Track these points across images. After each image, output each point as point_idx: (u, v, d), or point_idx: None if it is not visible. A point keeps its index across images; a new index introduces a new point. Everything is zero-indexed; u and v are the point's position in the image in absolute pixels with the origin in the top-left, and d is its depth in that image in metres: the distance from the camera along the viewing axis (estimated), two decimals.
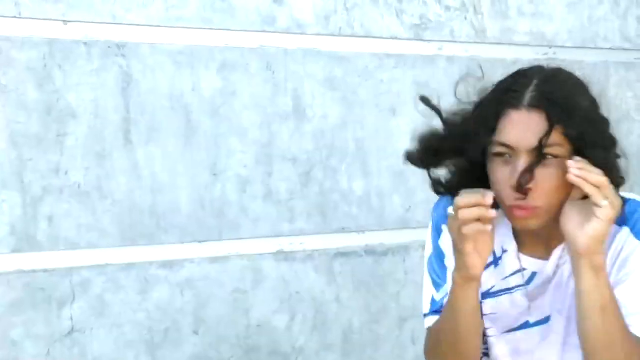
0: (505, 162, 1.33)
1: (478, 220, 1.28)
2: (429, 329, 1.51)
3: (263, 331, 2.26)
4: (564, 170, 1.28)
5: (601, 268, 1.30)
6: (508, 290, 1.47)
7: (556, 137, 1.30)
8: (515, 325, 1.47)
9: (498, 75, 2.50)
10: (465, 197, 1.29)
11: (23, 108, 1.98)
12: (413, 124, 2.41)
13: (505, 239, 1.45)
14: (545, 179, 1.30)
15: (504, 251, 1.46)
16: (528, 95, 1.33)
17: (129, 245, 2.09)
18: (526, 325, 1.46)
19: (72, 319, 2.04)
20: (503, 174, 1.33)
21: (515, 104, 1.33)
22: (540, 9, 2.61)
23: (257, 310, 2.25)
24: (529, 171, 1.29)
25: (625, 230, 1.37)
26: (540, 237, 1.41)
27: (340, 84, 2.33)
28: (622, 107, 2.74)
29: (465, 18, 2.50)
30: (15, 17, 1.98)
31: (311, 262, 2.32)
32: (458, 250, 1.33)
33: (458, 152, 1.42)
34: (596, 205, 1.25)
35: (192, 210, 2.16)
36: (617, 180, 1.34)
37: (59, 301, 2.03)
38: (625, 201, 1.37)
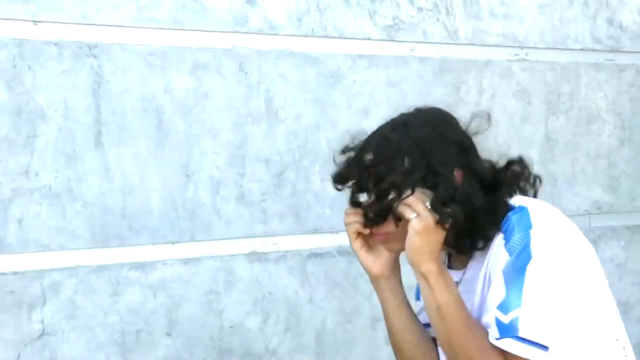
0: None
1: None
2: None
3: (236, 332, 2.26)
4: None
5: (431, 273, 1.41)
6: None
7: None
8: None
9: (471, 76, 2.54)
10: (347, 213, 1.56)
11: None
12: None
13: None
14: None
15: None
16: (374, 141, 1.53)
17: (101, 247, 2.08)
18: None
19: (42, 321, 2.03)
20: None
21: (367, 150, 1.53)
22: (511, 11, 2.63)
23: (230, 312, 2.25)
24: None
25: (499, 236, 1.44)
26: (457, 253, 1.55)
27: (313, 85, 2.33)
28: (592, 108, 2.77)
29: (438, 19, 2.51)
30: None
31: (284, 263, 2.32)
32: (353, 250, 1.57)
33: None
34: (407, 220, 1.41)
35: (164, 211, 2.15)
36: (442, 192, 1.42)
37: (29, 304, 2.01)
38: (512, 208, 1.46)
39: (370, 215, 1.50)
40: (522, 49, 2.65)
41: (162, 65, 2.14)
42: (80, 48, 2.05)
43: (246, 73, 2.24)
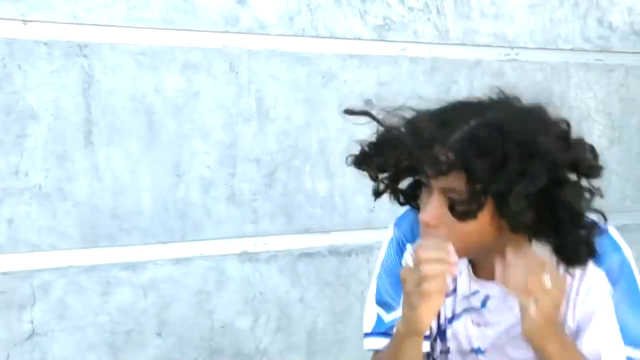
0: (426, 191, 1.32)
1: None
2: (375, 354, 1.46)
3: (227, 332, 2.25)
4: (482, 217, 1.24)
5: (556, 354, 1.26)
6: (465, 311, 1.45)
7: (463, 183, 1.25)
8: (468, 349, 1.45)
9: (462, 75, 2.54)
10: (428, 250, 1.24)
11: None
12: (376, 124, 2.42)
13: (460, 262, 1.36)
14: (447, 217, 1.27)
15: (459, 273, 1.42)
16: (455, 136, 1.26)
17: (91, 247, 2.08)
18: (478, 351, 1.45)
19: (32, 322, 2.02)
20: (421, 203, 1.33)
21: (441, 140, 1.27)
22: (502, 11, 2.63)
23: (220, 312, 2.24)
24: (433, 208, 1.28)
25: (601, 274, 1.33)
26: (490, 261, 1.32)
27: (304, 85, 2.33)
28: (582, 108, 2.78)
29: (429, 19, 2.52)
30: None
31: (275, 263, 2.32)
32: (409, 304, 1.25)
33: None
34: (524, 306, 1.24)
35: (155, 211, 2.15)
36: (562, 236, 1.27)
37: (19, 304, 2.00)
38: (601, 233, 1.34)
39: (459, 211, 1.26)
40: (512, 49, 2.65)
41: (153, 65, 2.14)
42: (70, 47, 2.04)
43: (237, 73, 2.24)
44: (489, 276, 1.35)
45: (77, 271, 2.06)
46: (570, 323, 1.35)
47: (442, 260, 1.23)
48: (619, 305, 1.32)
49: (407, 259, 1.26)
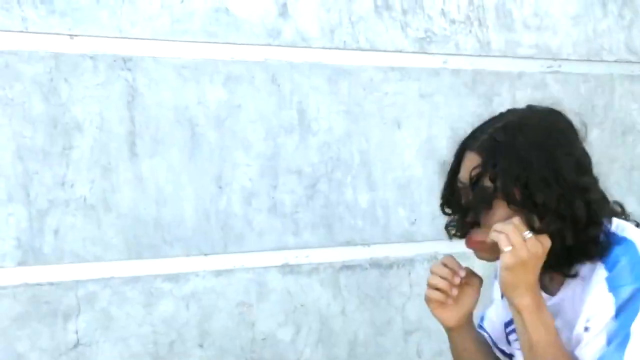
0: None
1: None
2: None
3: (268, 344, 2.26)
4: (509, 210, 1.36)
5: (524, 309, 1.35)
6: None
7: (490, 179, 1.36)
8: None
9: (504, 88, 2.53)
10: (440, 267, 1.47)
11: (29, 121, 1.99)
12: (417, 136, 2.42)
13: None
14: (484, 216, 1.39)
15: None
16: (479, 139, 1.41)
17: (134, 258, 2.09)
18: None
19: (77, 332, 2.04)
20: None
21: (470, 146, 1.43)
22: (545, 22, 2.61)
23: (262, 323, 2.25)
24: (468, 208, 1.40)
25: (601, 270, 1.37)
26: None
27: (345, 97, 2.34)
28: (627, 120, 2.74)
29: (470, 31, 2.51)
30: (22, 31, 1.99)
31: (316, 275, 2.32)
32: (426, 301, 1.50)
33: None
34: (501, 251, 1.34)
35: (197, 222, 2.16)
36: (569, 227, 1.35)
37: (64, 314, 2.03)
38: (618, 240, 1.39)
39: (461, 223, 1.43)
40: (555, 60, 2.63)
41: (195, 77, 2.16)
42: (115, 61, 2.07)
43: (279, 85, 2.25)
44: (554, 288, 1.45)
45: (120, 282, 2.08)
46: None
47: (445, 277, 1.46)
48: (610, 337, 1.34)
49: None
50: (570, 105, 2.66)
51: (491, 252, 1.38)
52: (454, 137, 2.42)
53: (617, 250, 1.37)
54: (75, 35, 2.04)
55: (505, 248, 1.32)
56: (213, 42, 2.18)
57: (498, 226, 1.34)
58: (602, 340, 1.33)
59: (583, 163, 1.42)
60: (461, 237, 1.46)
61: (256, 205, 2.23)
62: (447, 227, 1.48)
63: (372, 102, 2.37)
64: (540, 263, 1.34)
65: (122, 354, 2.09)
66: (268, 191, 2.24)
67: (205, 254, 2.18)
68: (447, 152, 2.41)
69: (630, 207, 2.73)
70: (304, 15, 2.28)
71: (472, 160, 1.40)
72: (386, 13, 2.39)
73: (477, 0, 2.51)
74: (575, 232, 1.35)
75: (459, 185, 1.43)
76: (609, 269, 1.36)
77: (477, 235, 1.41)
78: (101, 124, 2.06)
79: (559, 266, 1.40)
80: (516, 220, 1.34)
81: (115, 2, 2.07)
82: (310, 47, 2.30)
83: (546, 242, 1.34)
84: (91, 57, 2.05)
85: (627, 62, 2.74)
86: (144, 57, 2.11)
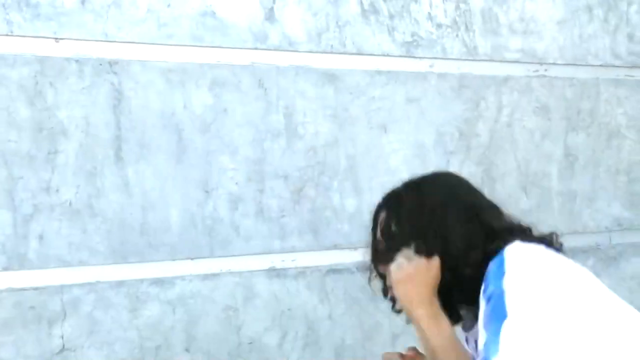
0: None
1: None
2: None
3: (254, 348, 2.25)
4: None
5: (421, 318, 1.50)
6: None
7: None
8: None
9: (490, 92, 2.53)
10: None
11: (14, 126, 1.98)
12: (404, 140, 2.43)
13: None
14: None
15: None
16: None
17: (120, 262, 2.09)
18: None
19: (62, 337, 2.03)
20: None
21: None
22: (531, 27, 2.62)
23: (248, 328, 2.24)
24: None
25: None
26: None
27: (332, 101, 2.34)
28: (612, 124, 2.76)
29: (457, 35, 2.51)
30: (7, 34, 1.98)
31: (303, 279, 2.32)
32: None
33: None
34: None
35: (183, 227, 2.15)
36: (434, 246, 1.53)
37: (49, 319, 2.02)
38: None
39: (375, 262, 1.63)
40: (541, 65, 2.64)
41: (182, 81, 2.15)
42: (100, 65, 2.07)
43: (265, 89, 2.25)
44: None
45: (106, 287, 2.08)
46: None
47: None
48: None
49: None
50: (556, 110, 2.69)
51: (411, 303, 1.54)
52: (440, 141, 2.44)
53: (490, 264, 1.45)
54: (61, 39, 2.03)
55: (392, 267, 1.52)
56: (199, 46, 2.18)
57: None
58: (482, 330, 1.40)
59: (467, 199, 1.57)
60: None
61: (243, 209, 2.22)
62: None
63: (358, 107, 2.37)
64: (428, 279, 1.49)
65: (107, 359, 2.08)
66: (255, 196, 2.24)
67: (192, 258, 2.18)
68: (433, 156, 2.43)
69: (615, 211, 2.78)
70: (290, 19, 2.28)
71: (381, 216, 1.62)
72: (373, 17, 2.39)
73: (463, 4, 2.52)
74: (457, 257, 1.50)
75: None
76: (484, 280, 1.45)
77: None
78: (87, 129, 2.05)
79: (463, 298, 1.52)
80: (404, 251, 1.52)
81: (100, 6, 2.06)
82: (297, 51, 2.29)
83: (434, 261, 1.50)
84: (77, 61, 2.04)
85: (612, 66, 2.75)
86: (130, 60, 2.10)
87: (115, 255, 2.08)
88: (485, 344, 1.33)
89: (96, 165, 2.06)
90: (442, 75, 2.49)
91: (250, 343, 2.25)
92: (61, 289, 2.03)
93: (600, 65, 2.74)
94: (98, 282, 2.07)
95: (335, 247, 2.35)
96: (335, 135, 2.34)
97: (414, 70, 2.46)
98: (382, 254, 1.59)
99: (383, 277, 1.64)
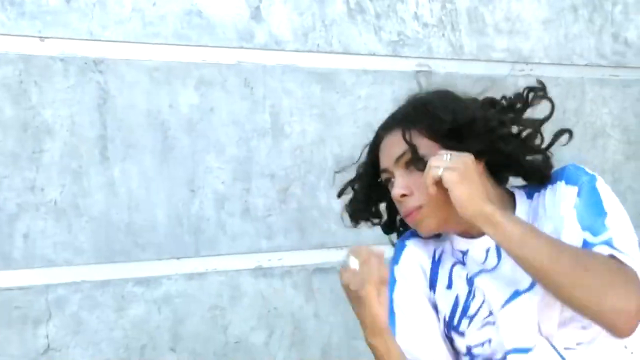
0: (392, 186, 1.49)
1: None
2: None
3: (241, 348, 2.25)
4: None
5: (495, 212, 1.35)
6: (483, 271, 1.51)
7: (406, 141, 1.46)
8: (508, 297, 1.47)
9: (476, 91, 2.53)
10: (364, 249, 1.41)
11: None
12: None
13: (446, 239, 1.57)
14: (415, 182, 1.44)
15: (463, 252, 1.53)
16: (381, 128, 1.54)
17: (105, 262, 2.08)
18: (517, 294, 1.47)
19: (47, 337, 2.03)
20: (392, 196, 1.48)
21: (381, 136, 1.53)
22: (516, 26, 2.63)
23: (235, 327, 2.24)
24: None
25: (559, 183, 1.48)
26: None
27: (318, 100, 2.34)
28: (597, 123, 2.77)
29: (443, 35, 2.52)
30: None
31: (289, 278, 2.32)
32: (362, 306, 1.42)
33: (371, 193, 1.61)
34: (437, 179, 1.38)
35: (169, 226, 2.15)
36: (517, 165, 1.48)
37: (34, 319, 2.01)
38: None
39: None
40: (527, 64, 2.65)
41: (168, 80, 2.15)
42: (86, 64, 2.06)
43: (251, 88, 2.25)
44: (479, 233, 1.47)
45: (91, 286, 2.07)
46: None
47: (373, 255, 1.40)
48: (579, 210, 1.43)
49: (348, 262, 1.41)
50: (541, 109, 2.69)
51: (433, 208, 1.43)
52: None
53: (557, 169, 1.50)
54: (46, 38, 2.02)
55: (439, 171, 1.37)
56: (185, 45, 2.17)
57: (424, 173, 1.40)
58: (575, 215, 1.42)
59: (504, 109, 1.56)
60: (389, 231, 1.62)
61: (229, 208, 2.22)
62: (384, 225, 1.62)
63: (345, 106, 2.37)
64: (475, 173, 1.38)
65: (93, 359, 2.07)
66: (241, 195, 2.24)
67: (178, 258, 2.17)
68: None
69: None
70: (277, 18, 2.28)
71: (392, 141, 1.49)
72: (359, 16, 2.40)
73: (449, 4, 2.53)
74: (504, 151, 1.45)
75: (385, 175, 1.51)
76: (565, 177, 1.48)
77: (409, 205, 1.46)
78: (72, 128, 2.04)
79: (502, 178, 1.51)
80: (434, 155, 1.41)
81: (85, 5, 2.06)
82: (283, 50, 2.29)
83: (468, 155, 1.40)
84: (61, 60, 2.03)
85: (597, 66, 2.77)
86: (115, 59, 2.09)
87: (100, 254, 2.07)
88: (592, 224, 1.39)
89: (81, 165, 2.05)
90: (428, 75, 2.49)
91: (237, 342, 2.25)
92: (46, 288, 2.02)
93: (586, 65, 2.75)
94: (83, 281, 2.06)
95: (322, 246, 2.35)
96: (321, 135, 2.34)
97: (400, 70, 2.46)
98: (414, 162, 1.45)
99: (386, 201, 1.57)
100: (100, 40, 2.07)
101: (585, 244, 1.38)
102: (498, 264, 1.48)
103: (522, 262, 1.36)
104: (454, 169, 1.36)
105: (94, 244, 2.06)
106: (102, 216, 2.07)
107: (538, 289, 1.41)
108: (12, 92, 1.98)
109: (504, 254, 1.44)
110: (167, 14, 2.15)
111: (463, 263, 1.53)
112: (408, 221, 1.49)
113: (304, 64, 2.32)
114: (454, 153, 1.39)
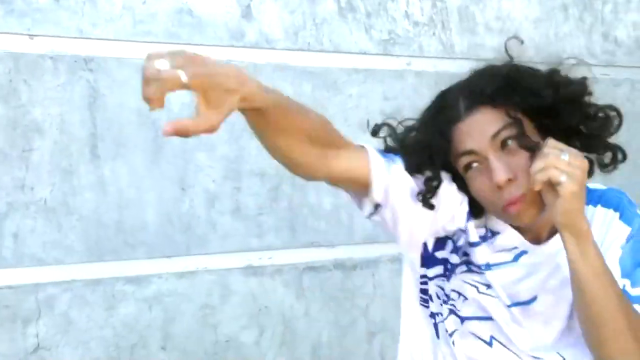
0: (478, 171, 1.34)
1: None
2: None
3: (231, 346, 2.25)
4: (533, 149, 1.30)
5: (587, 233, 1.26)
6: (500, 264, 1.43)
7: (507, 117, 1.33)
8: (510, 303, 1.42)
9: None
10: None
11: None
12: (382, 138, 2.43)
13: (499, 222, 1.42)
14: (517, 165, 1.31)
15: (495, 233, 1.42)
16: (462, 105, 1.37)
17: (96, 261, 2.08)
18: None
19: (37, 336, 2.02)
20: (482, 182, 1.34)
21: (457, 118, 1.36)
22: (507, 25, 2.63)
23: (225, 326, 2.24)
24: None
25: (613, 214, 1.41)
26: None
27: (309, 99, 2.33)
28: None
29: (434, 33, 2.52)
30: None
31: (280, 277, 2.31)
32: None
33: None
34: (557, 184, 1.24)
35: (160, 225, 2.15)
36: (598, 145, 1.42)
37: (24, 318, 2.00)
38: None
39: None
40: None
41: None
42: (76, 62, 2.05)
43: None
44: (534, 239, 1.40)
45: (81, 285, 2.06)
46: None
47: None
48: (625, 252, 1.38)
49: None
50: None
51: (533, 197, 1.29)
52: None
53: (609, 193, 1.43)
54: (35, 36, 2.01)
55: (561, 178, 1.22)
56: (175, 43, 2.17)
57: (537, 165, 1.25)
58: (619, 255, 1.37)
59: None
60: (474, 215, 1.41)
61: (219, 207, 2.22)
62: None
63: (336, 104, 2.37)
64: (584, 180, 1.26)
65: (83, 358, 2.07)
66: (231, 193, 2.23)
67: (168, 257, 2.17)
68: None
69: None
70: (267, 16, 2.28)
71: (483, 118, 1.34)
72: (350, 15, 2.39)
73: (440, 3, 2.53)
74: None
75: (468, 159, 1.35)
76: (618, 208, 1.41)
77: (513, 192, 1.31)
78: (62, 126, 2.03)
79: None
80: (548, 148, 1.26)
81: (75, 3, 2.05)
82: (274, 49, 2.29)
83: (584, 159, 1.28)
84: (51, 58, 2.03)
85: (587, 65, 2.77)
86: (105, 57, 2.09)
87: (90, 253, 2.07)
88: (636, 272, 1.35)
89: (71, 163, 2.05)
90: (418, 73, 2.49)
91: (227, 341, 2.24)
92: (36, 287, 2.02)
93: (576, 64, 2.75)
94: (73, 280, 2.06)
95: (312, 244, 2.35)
96: None
97: (391, 68, 2.46)
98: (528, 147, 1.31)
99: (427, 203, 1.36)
100: (90, 38, 2.07)
101: (623, 291, 1.32)
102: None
103: (581, 296, 1.28)
104: (576, 178, 1.23)
105: (84, 242, 2.06)
106: (92, 215, 2.07)
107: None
108: (2, 91, 1.97)
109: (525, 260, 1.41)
110: (158, 12, 2.14)
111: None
112: (510, 211, 1.32)
113: (294, 62, 2.32)
114: (572, 152, 1.26)
